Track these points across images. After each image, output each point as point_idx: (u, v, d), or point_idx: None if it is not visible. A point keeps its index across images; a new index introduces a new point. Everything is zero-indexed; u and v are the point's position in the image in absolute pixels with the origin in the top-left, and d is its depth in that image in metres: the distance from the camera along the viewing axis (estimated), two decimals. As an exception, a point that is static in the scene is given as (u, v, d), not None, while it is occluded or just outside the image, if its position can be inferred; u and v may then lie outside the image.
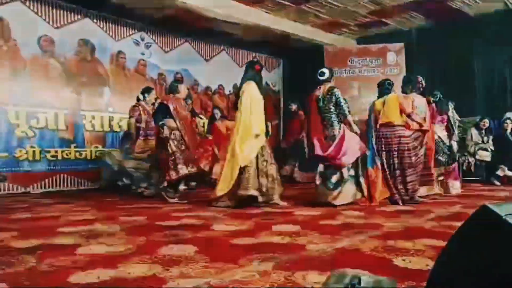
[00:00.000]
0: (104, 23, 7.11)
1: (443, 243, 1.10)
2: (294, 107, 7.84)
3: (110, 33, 7.19)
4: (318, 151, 4.31)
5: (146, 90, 5.74)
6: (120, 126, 7.08)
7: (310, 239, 2.59)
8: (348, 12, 7.63)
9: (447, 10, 7.49)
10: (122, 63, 7.32)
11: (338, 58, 8.43)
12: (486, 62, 7.90)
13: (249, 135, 4.16)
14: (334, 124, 4.32)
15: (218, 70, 8.73)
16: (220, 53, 9.04)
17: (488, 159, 6.73)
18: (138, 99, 5.78)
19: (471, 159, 6.84)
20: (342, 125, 4.34)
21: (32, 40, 6.26)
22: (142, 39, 7.65)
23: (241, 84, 4.41)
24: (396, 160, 4.38)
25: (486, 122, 6.92)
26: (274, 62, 10.20)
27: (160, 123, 4.68)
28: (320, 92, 4.41)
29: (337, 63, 8.34)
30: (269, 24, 7.74)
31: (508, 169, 6.48)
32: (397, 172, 4.36)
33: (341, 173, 4.26)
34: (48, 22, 6.46)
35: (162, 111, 4.79)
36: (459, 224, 1.04)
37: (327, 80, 4.41)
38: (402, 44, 8.35)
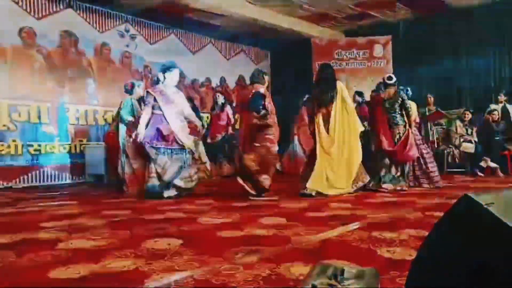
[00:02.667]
0: (88, 14, 6.97)
1: (427, 233, 1.09)
2: (221, 98, 7.27)
3: (94, 25, 7.05)
4: (387, 146, 4.79)
5: (168, 68, 4.66)
6: (105, 120, 6.98)
7: (295, 231, 2.58)
8: (336, 4, 7.61)
9: (433, 2, 7.53)
10: (107, 55, 7.20)
11: (325, 51, 8.43)
12: (471, 54, 7.99)
13: (358, 132, 4.55)
14: (399, 123, 4.87)
15: (205, 63, 8.65)
16: (207, 45, 8.95)
17: (472, 150, 6.83)
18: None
19: (455, 151, 6.93)
20: (407, 124, 4.89)
21: (13, 31, 6.10)
22: (127, 31, 7.52)
23: (330, 83, 4.52)
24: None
25: (468, 114, 7.04)
26: (262, 54, 10.16)
27: (264, 114, 4.26)
28: (385, 94, 4.96)
29: (324, 56, 8.35)
30: (256, 16, 7.68)
31: (491, 161, 6.59)
32: (423, 165, 5.11)
33: (402, 168, 4.87)
34: (30, 13, 6.30)
35: (260, 101, 4.31)
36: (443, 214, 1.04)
37: (393, 84, 4.93)
38: (389, 37, 8.39)
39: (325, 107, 4.52)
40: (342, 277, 1.26)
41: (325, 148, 4.48)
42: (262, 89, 4.41)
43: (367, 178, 4.61)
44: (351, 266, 1.62)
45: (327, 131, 4.49)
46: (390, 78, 4.96)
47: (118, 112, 5.47)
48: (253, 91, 4.39)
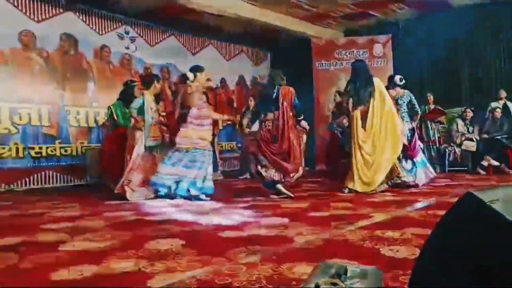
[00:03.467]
0: (87, 17, 6.97)
1: (430, 232, 1.09)
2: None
3: (94, 27, 7.05)
4: (405, 141, 4.85)
5: (199, 68, 4.68)
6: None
7: (298, 231, 2.58)
8: (335, 4, 7.61)
9: (432, 0, 7.52)
10: (107, 57, 7.20)
11: (325, 50, 8.42)
12: (472, 53, 7.98)
13: (398, 128, 4.61)
14: (407, 119, 5.06)
15: (205, 64, 8.61)
16: (207, 47, 8.94)
17: (474, 149, 6.81)
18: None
19: (457, 150, 6.92)
20: (413, 121, 5.15)
21: (12, 34, 6.10)
22: (127, 33, 7.52)
23: (368, 80, 4.56)
24: None
25: (469, 112, 7.03)
26: (262, 55, 10.15)
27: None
28: (394, 92, 5.10)
29: (325, 56, 8.35)
30: (256, 16, 7.68)
31: (493, 159, 6.57)
32: None
33: (413, 161, 5.02)
34: (29, 16, 6.30)
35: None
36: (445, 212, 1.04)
37: (403, 86, 5.14)
38: (389, 36, 8.37)
39: (364, 104, 4.54)
40: (345, 276, 1.25)
41: (360, 145, 4.52)
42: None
43: (404, 178, 4.65)
44: (354, 265, 1.62)
45: (364, 128, 4.52)
46: (401, 79, 5.16)
47: (110, 116, 5.39)
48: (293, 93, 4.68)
